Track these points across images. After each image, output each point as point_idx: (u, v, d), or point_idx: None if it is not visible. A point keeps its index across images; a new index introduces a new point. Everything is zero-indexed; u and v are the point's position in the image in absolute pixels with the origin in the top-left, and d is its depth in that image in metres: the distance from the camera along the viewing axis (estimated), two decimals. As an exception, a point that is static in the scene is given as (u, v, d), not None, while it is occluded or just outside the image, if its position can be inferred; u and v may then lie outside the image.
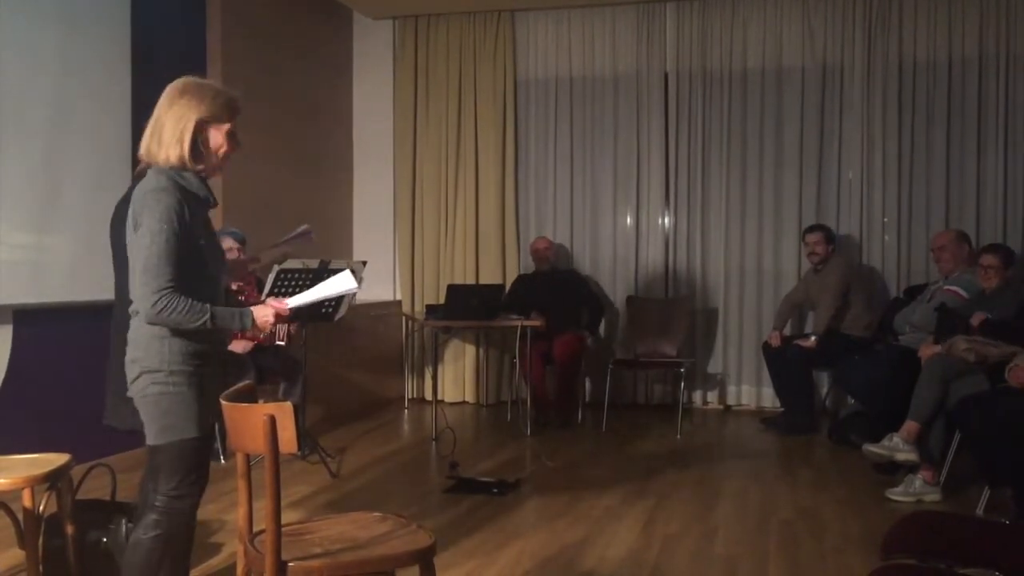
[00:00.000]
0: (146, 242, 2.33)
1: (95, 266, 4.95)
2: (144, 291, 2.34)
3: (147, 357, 2.42)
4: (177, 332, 2.41)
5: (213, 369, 2.51)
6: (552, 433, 6.18)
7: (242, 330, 2.55)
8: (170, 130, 2.44)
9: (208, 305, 2.39)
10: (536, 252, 6.87)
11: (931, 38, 6.70)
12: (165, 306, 2.32)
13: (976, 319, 4.69)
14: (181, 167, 2.44)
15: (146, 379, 2.42)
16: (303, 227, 3.62)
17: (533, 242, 6.98)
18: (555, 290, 6.64)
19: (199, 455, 2.48)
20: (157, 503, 2.46)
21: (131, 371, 2.46)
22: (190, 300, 2.36)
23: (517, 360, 6.62)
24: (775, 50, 6.97)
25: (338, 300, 5.16)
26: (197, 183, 2.48)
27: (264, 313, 2.51)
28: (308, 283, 4.89)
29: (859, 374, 5.38)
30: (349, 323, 6.16)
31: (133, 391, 2.47)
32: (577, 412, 6.53)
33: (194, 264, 2.41)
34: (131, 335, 2.47)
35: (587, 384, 7.02)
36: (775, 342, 6.26)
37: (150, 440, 2.47)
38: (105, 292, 4.99)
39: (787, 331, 6.50)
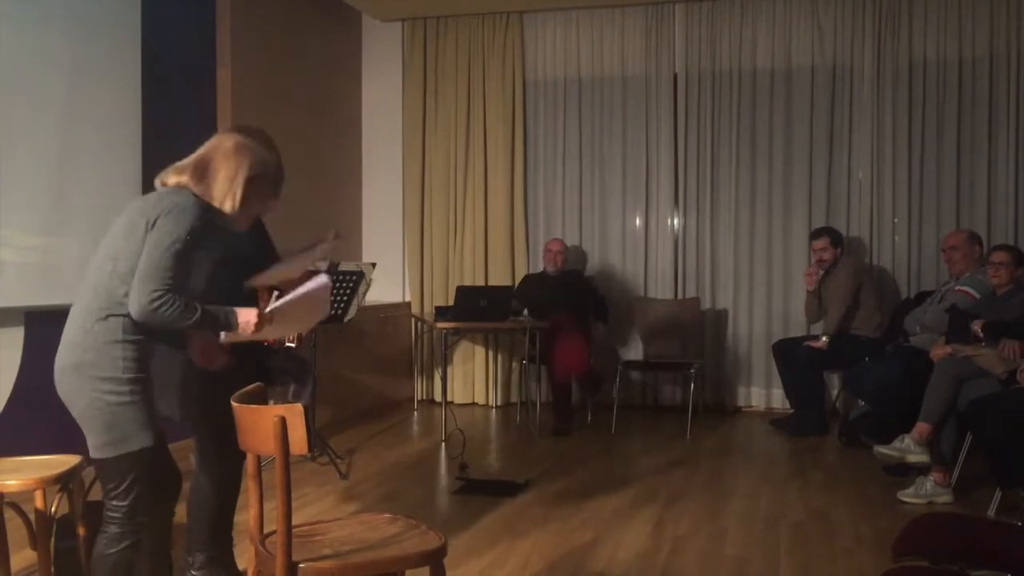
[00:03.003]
0: (165, 244, 2.32)
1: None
2: (144, 288, 2.30)
3: (100, 362, 2.34)
4: (132, 336, 2.36)
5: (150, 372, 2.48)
6: (562, 434, 6.17)
7: (227, 329, 2.48)
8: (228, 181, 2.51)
9: (198, 304, 2.38)
10: (549, 253, 6.87)
11: (941, 38, 6.67)
12: (161, 304, 2.30)
13: (977, 325, 4.66)
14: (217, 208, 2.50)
15: (98, 387, 2.34)
16: (325, 244, 3.42)
17: (548, 243, 6.98)
18: (561, 290, 6.65)
19: (157, 463, 2.42)
20: (117, 516, 2.40)
21: (75, 377, 2.36)
22: (183, 300, 2.34)
23: (526, 361, 6.63)
24: (784, 51, 6.96)
25: (348, 300, 5.17)
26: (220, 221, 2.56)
27: (247, 316, 2.48)
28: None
29: (870, 375, 5.36)
30: (358, 325, 6.17)
31: (76, 398, 2.37)
32: (573, 417, 6.46)
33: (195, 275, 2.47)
34: (78, 337, 2.37)
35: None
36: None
37: (97, 453, 2.38)
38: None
39: (800, 332, 6.48)
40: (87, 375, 2.35)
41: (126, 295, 2.34)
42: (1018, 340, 4.43)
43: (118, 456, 2.37)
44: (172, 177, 2.50)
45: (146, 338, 2.41)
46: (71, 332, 2.40)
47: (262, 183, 2.56)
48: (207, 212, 2.44)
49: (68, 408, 2.42)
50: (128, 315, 2.35)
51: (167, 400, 2.89)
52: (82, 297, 2.43)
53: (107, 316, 2.36)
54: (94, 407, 2.35)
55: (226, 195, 2.48)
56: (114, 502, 2.40)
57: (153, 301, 2.29)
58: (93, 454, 2.40)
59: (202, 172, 2.48)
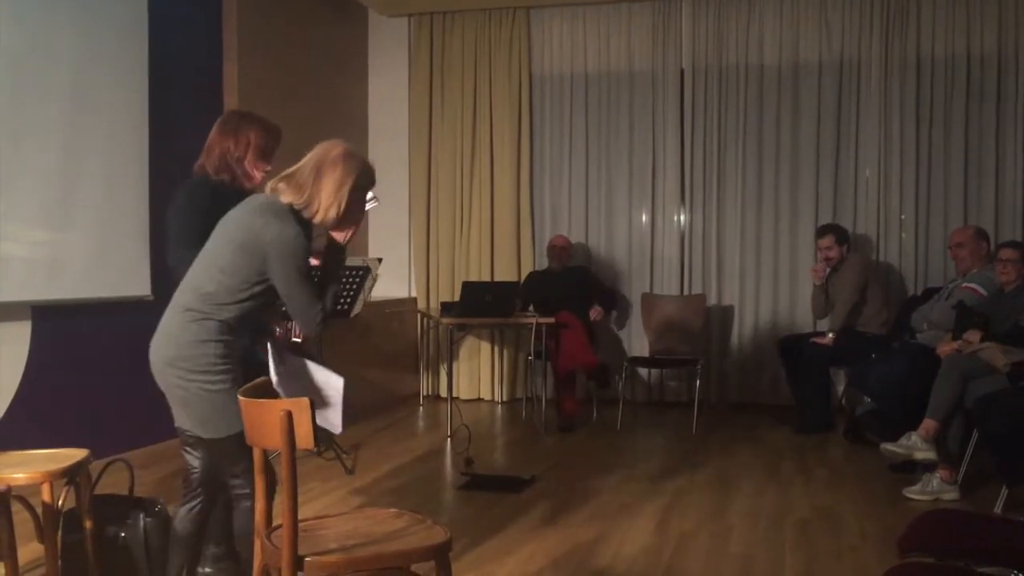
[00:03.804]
0: (296, 279, 2.51)
1: (113, 263, 5.00)
2: (308, 318, 2.55)
3: (192, 357, 2.50)
4: (222, 336, 2.52)
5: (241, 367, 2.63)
6: (567, 430, 6.17)
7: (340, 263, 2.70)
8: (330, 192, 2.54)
9: (322, 299, 2.60)
10: (553, 249, 6.87)
11: (949, 34, 6.65)
12: (321, 321, 2.57)
13: (972, 336, 4.62)
14: (313, 220, 2.58)
15: (196, 379, 2.50)
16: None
17: (552, 239, 6.98)
18: (566, 287, 6.64)
19: None
20: (248, 488, 2.55)
21: (173, 370, 2.53)
22: (322, 306, 2.58)
23: (532, 357, 6.63)
24: (791, 46, 6.94)
25: (354, 295, 5.16)
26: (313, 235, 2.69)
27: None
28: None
29: (876, 372, 5.34)
30: (364, 320, 6.18)
31: (175, 390, 2.55)
32: (579, 413, 6.46)
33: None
34: (175, 331, 2.53)
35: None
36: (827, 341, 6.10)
37: (213, 433, 2.55)
38: (122, 288, 5.05)
39: (807, 328, 6.47)
40: (182, 368, 2.51)
41: (223, 304, 2.51)
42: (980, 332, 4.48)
43: (236, 434, 2.49)
44: (283, 187, 2.54)
45: (234, 339, 2.55)
46: (169, 326, 2.56)
47: (364, 191, 2.62)
48: (306, 227, 2.56)
49: (167, 396, 2.59)
50: (221, 319, 2.52)
51: None
52: (183, 294, 2.58)
53: (204, 318, 2.52)
54: (196, 396, 2.52)
55: (331, 204, 2.53)
56: (244, 471, 2.56)
57: (318, 324, 2.57)
58: (208, 435, 2.56)
59: (309, 182, 2.52)
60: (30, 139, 4.48)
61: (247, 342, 2.68)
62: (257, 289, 2.54)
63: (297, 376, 2.69)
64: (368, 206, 2.76)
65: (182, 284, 2.61)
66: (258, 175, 3.07)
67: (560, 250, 6.84)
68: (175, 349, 2.52)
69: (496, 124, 7.43)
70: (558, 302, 6.37)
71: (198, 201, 2.94)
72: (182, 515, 2.77)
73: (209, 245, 2.60)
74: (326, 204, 2.53)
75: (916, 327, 5.52)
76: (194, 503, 2.77)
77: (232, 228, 2.56)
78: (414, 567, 2.25)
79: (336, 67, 7.33)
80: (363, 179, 2.58)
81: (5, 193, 4.34)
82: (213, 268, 2.54)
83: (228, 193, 2.91)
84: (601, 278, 7.11)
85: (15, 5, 4.41)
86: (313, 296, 2.55)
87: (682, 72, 7.18)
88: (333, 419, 2.75)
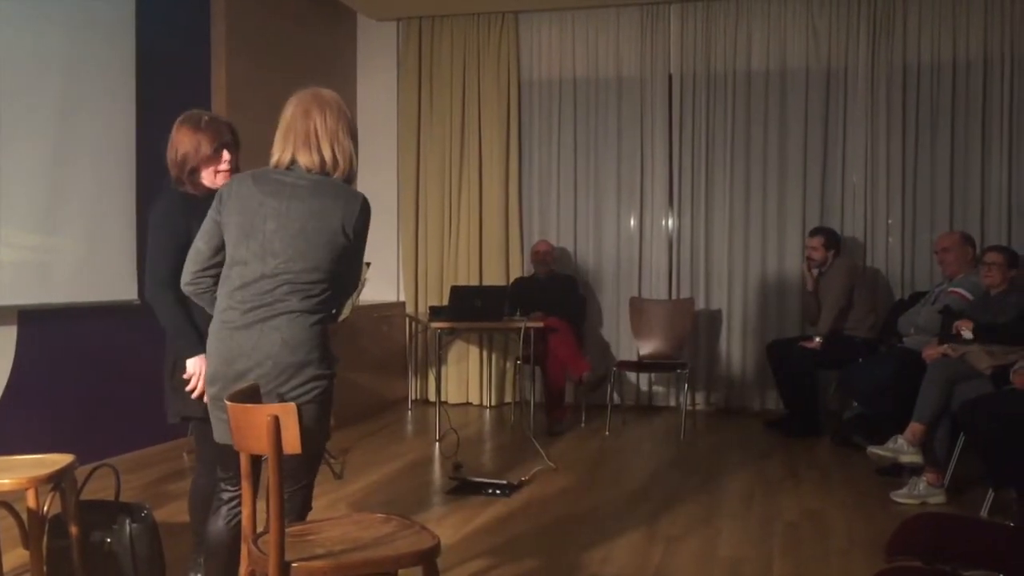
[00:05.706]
0: (362, 255, 2.54)
1: (100, 267, 4.98)
2: (348, 295, 2.55)
3: (322, 360, 2.42)
4: (328, 336, 2.48)
5: None
6: (556, 434, 6.17)
7: None
8: (349, 145, 2.51)
9: None
10: (536, 255, 6.88)
11: (935, 40, 6.69)
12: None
13: (963, 326, 4.64)
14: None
15: (319, 384, 2.41)
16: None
17: (534, 245, 6.99)
18: (551, 294, 6.64)
19: None
20: (300, 501, 2.52)
21: (300, 374, 2.37)
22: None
23: (520, 361, 6.63)
24: (779, 52, 6.97)
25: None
26: None
27: None
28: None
29: (863, 376, 5.37)
30: (353, 324, 6.16)
31: (294, 392, 2.36)
32: (567, 417, 6.49)
33: None
34: (302, 337, 2.38)
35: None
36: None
37: (308, 444, 2.24)
38: (109, 292, 5.03)
39: (795, 333, 6.49)
40: (311, 373, 2.40)
41: (326, 299, 2.45)
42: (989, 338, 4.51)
43: (324, 443, 2.53)
44: (304, 158, 2.45)
45: None
46: (290, 333, 2.37)
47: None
48: None
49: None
50: (329, 316, 2.49)
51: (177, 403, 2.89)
52: (285, 301, 2.38)
53: (322, 318, 2.45)
54: (318, 400, 2.41)
55: (350, 157, 2.50)
56: (306, 489, 2.54)
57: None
58: (303, 448, 2.17)
59: (327, 147, 2.45)
60: (17, 143, 4.46)
61: None
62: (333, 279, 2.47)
63: None
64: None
65: (276, 293, 2.38)
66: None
67: (543, 255, 6.84)
68: (307, 353, 2.38)
69: (484, 129, 7.43)
70: (544, 308, 6.36)
71: None
72: (222, 527, 2.65)
73: (289, 243, 2.37)
74: (346, 163, 2.49)
75: (903, 331, 5.55)
76: (237, 510, 2.63)
77: (325, 218, 2.39)
78: (402, 572, 2.25)
79: (324, 71, 7.32)
80: (349, 113, 2.53)
81: (-9, 197, 4.32)
82: (313, 271, 2.39)
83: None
84: (580, 287, 7.07)
85: (2, 10, 4.39)
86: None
87: (670, 77, 7.20)
88: None
